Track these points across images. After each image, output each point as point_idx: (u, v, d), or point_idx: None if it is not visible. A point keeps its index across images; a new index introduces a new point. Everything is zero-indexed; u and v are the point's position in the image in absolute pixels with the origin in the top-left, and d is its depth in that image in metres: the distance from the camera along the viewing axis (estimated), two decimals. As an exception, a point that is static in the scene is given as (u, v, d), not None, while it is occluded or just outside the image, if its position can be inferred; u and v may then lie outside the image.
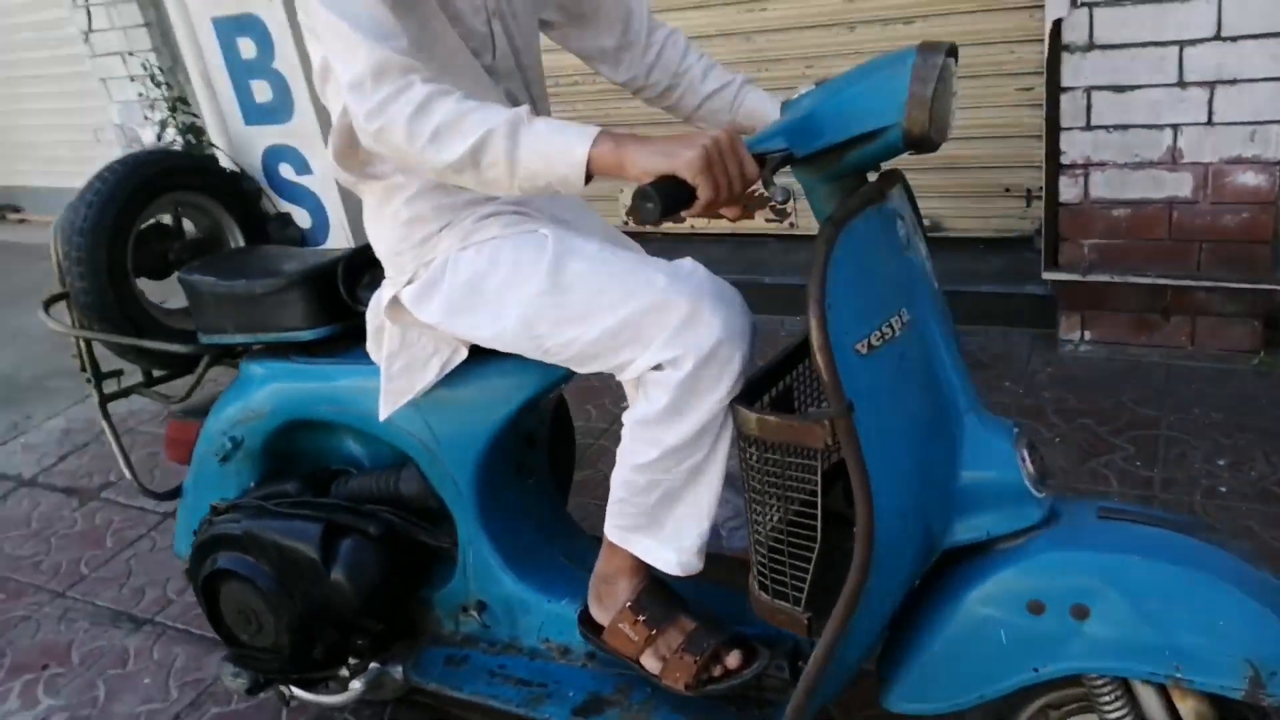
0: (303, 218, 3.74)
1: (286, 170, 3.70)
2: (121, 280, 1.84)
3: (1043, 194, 2.74)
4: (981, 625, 1.29)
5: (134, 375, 1.99)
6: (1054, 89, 2.56)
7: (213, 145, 3.78)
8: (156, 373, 1.96)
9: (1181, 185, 2.55)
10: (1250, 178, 2.48)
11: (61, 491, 3.07)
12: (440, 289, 1.41)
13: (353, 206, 3.87)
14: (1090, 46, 2.49)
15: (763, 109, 1.55)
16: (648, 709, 1.51)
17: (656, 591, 1.50)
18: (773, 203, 1.22)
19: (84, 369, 1.92)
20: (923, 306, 1.28)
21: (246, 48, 3.54)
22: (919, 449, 1.25)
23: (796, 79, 3.11)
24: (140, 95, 4.21)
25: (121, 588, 2.55)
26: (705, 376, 1.27)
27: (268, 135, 3.63)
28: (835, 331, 1.16)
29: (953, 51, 1.22)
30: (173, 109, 4.01)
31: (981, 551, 1.31)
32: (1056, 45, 2.51)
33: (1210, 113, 2.45)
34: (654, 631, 1.47)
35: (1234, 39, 2.36)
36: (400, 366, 1.51)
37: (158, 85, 4.01)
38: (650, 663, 1.47)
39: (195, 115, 3.97)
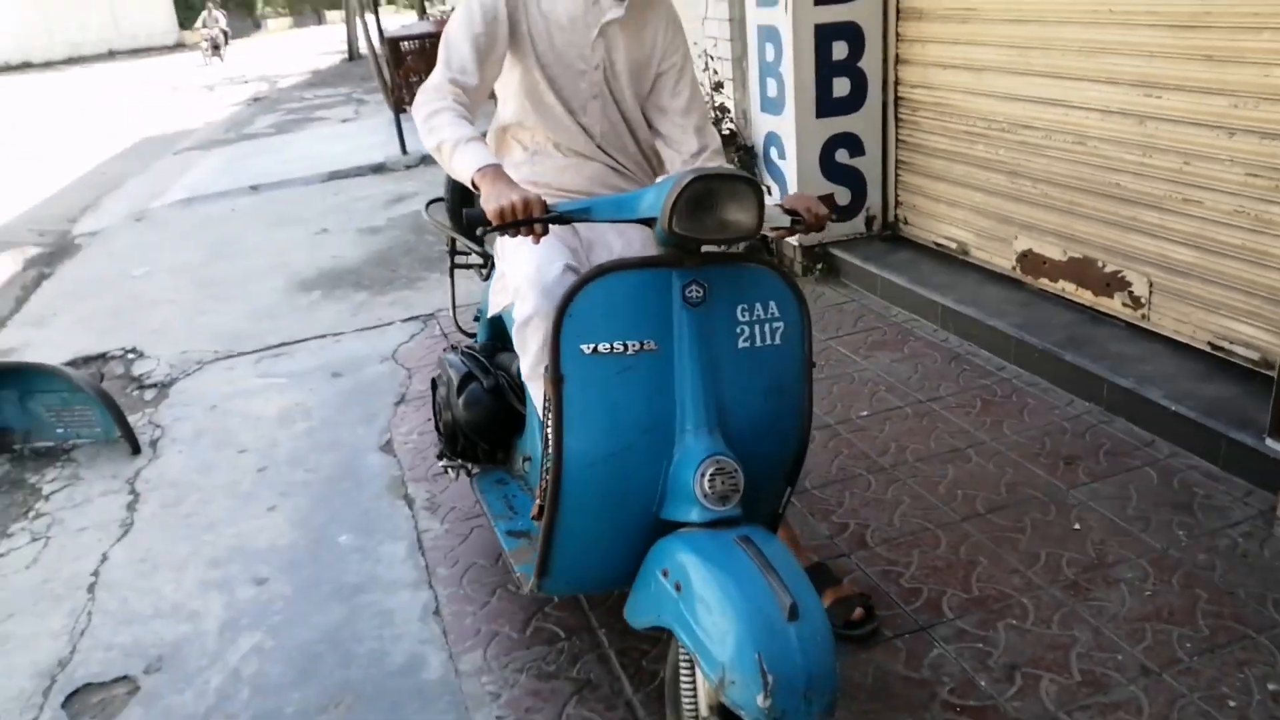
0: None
1: (842, 154, 4.64)
2: (468, 197, 2.98)
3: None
4: (650, 573, 1.83)
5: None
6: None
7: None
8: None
9: None
10: None
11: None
12: (503, 242, 2.29)
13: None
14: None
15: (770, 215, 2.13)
16: (526, 549, 2.29)
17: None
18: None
19: (448, 247, 3.17)
20: (680, 347, 1.81)
21: (839, 49, 4.49)
22: (625, 431, 1.82)
23: (1175, 171, 3.14)
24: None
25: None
26: (525, 334, 2.02)
27: (833, 125, 4.55)
28: (567, 331, 1.80)
29: (739, 176, 1.74)
30: (716, 87, 5.16)
31: (675, 528, 1.83)
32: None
33: None
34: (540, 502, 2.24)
35: None
36: (498, 286, 2.44)
37: (705, 67, 5.16)
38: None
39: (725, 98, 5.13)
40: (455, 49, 2.12)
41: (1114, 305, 3.54)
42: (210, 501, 3.38)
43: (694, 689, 1.75)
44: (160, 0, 37.02)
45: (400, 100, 11.96)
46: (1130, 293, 3.45)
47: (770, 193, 4.85)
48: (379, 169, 8.94)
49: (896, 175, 4.69)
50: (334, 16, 49.26)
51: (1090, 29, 3.39)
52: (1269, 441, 2.53)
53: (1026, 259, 3.93)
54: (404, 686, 2.39)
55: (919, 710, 2.13)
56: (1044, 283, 3.86)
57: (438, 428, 2.88)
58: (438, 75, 2.11)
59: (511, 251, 2.13)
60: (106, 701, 2.49)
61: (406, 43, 12.08)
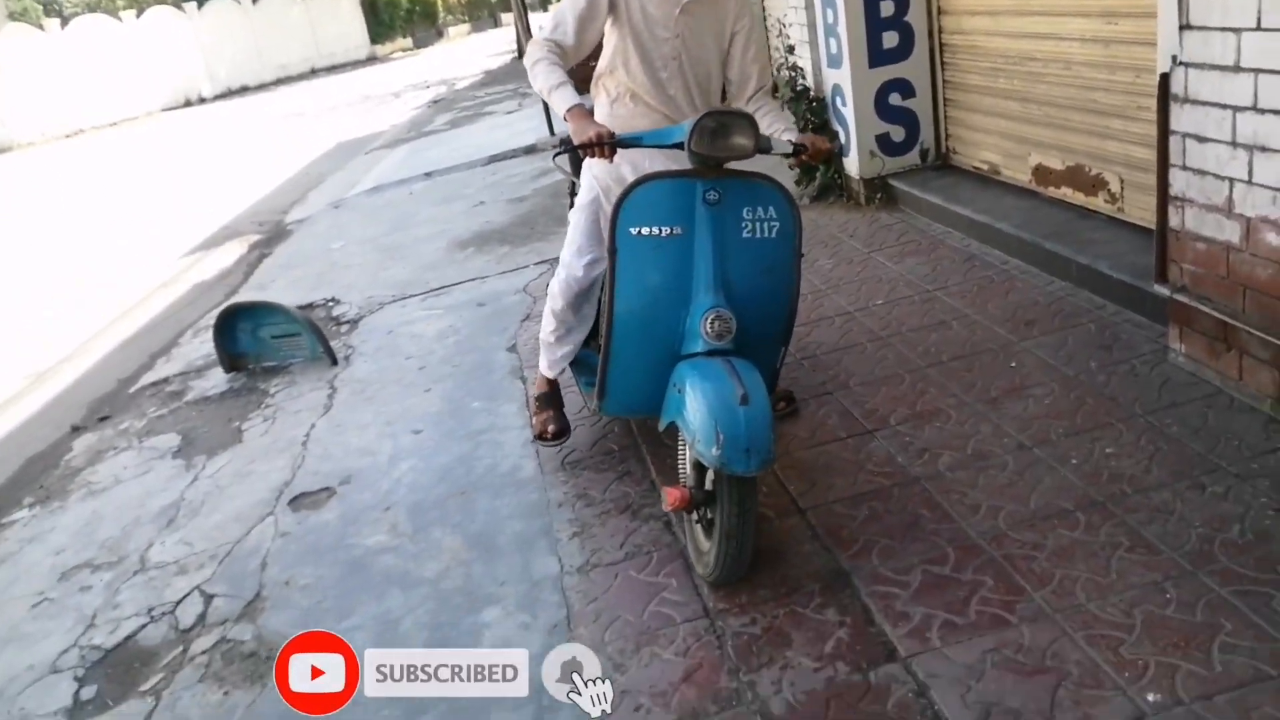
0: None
1: (895, 98, 5.39)
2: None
3: (1154, 219, 3.13)
4: (669, 387, 2.73)
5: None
6: (1164, 130, 2.99)
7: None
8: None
9: (1233, 233, 2.80)
10: (1275, 238, 2.66)
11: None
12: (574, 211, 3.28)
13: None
14: (1185, 99, 2.88)
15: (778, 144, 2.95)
16: (593, 391, 3.26)
17: (549, 385, 3.37)
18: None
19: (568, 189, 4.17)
20: (702, 237, 2.64)
21: (886, 7, 5.29)
22: (656, 291, 2.68)
23: (1130, 84, 3.79)
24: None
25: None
26: (553, 290, 3.12)
27: (885, 73, 5.34)
28: (623, 217, 2.70)
29: (739, 114, 2.61)
30: (789, 50, 5.97)
31: (691, 356, 2.71)
32: (1165, 93, 2.95)
33: (1250, 173, 2.70)
34: (539, 403, 3.35)
35: (1263, 111, 2.60)
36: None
37: (779, 34, 5.98)
38: (535, 412, 3.31)
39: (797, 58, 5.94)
40: (561, 16, 2.87)
41: (1098, 202, 4.17)
42: (385, 389, 4.57)
43: (683, 456, 2.68)
44: (354, 19, 40.43)
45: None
46: (1109, 190, 4.08)
47: (838, 137, 5.66)
48: (530, 150, 10.16)
49: (945, 112, 5.37)
50: (508, 19, 51.39)
51: (1067, -29, 4.04)
52: (1156, 286, 3.19)
53: (1038, 171, 4.58)
54: (506, 481, 3.45)
55: (849, 474, 2.99)
56: (1051, 190, 4.50)
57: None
58: (544, 34, 2.87)
59: (572, 219, 3.18)
60: (316, 501, 3.66)
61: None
